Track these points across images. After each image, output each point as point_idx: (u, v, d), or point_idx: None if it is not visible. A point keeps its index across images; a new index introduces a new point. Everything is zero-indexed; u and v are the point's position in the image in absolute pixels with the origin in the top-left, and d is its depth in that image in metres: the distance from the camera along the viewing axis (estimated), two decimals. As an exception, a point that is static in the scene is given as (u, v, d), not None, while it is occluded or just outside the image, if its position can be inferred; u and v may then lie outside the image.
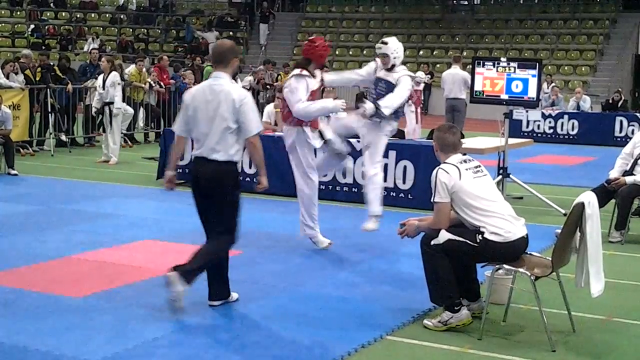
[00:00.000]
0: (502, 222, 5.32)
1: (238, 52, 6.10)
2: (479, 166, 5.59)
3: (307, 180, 7.69)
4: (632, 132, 15.87)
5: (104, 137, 14.04)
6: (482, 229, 5.31)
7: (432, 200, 5.49)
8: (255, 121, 5.77)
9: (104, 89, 13.57)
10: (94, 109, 14.10)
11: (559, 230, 8.02)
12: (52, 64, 15.59)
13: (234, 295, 5.96)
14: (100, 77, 13.82)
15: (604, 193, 8.23)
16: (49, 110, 14.77)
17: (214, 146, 5.73)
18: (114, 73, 13.66)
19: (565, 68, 28.74)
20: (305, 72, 7.55)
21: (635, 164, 8.52)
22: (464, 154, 5.68)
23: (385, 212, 9.35)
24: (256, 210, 9.66)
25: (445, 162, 5.53)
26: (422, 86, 16.40)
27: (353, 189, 10.25)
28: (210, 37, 31.60)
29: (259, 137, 5.86)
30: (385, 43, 8.07)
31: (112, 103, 13.52)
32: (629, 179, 8.38)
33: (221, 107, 5.64)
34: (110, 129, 13.64)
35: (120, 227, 8.48)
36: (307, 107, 7.43)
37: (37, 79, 14.77)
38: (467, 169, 5.47)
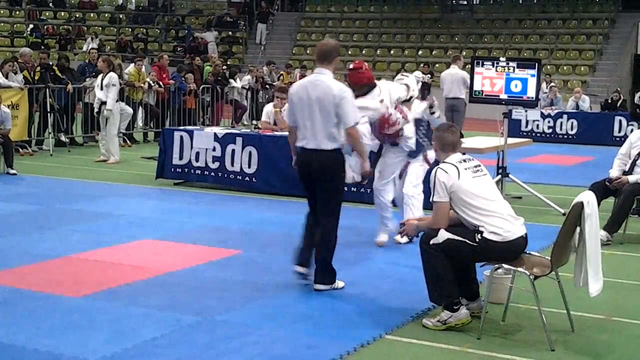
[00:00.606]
0: (501, 222, 5.33)
1: (339, 51, 6.51)
2: (479, 165, 5.59)
3: None
4: (631, 132, 15.88)
5: (101, 136, 14.04)
6: (481, 229, 5.31)
7: (431, 199, 5.50)
8: (352, 113, 6.15)
9: (101, 89, 13.57)
10: (95, 108, 14.06)
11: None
12: (51, 63, 15.58)
13: (340, 284, 6.28)
14: (99, 77, 13.81)
15: (603, 190, 8.24)
16: (48, 110, 14.77)
17: (322, 137, 6.08)
18: (110, 74, 13.62)
19: (565, 68, 28.75)
20: None
21: (634, 164, 8.51)
22: (464, 153, 5.69)
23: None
24: (256, 210, 9.68)
25: (444, 162, 5.54)
26: (419, 85, 16.39)
27: (352, 189, 10.25)
28: (209, 36, 31.63)
29: (356, 128, 6.26)
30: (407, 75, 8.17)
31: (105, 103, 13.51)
32: (631, 178, 8.35)
33: (323, 101, 6.06)
34: (104, 129, 13.62)
35: (119, 227, 8.48)
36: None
37: (37, 78, 14.76)
38: (466, 169, 5.47)
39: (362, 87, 7.50)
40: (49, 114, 14.83)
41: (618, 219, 8.26)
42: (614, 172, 8.59)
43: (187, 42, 31.89)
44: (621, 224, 8.30)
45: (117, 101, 13.77)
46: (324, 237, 6.20)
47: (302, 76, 23.39)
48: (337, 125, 6.10)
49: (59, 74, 15.23)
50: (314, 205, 6.33)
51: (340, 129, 6.12)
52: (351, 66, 7.71)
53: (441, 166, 5.50)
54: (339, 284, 6.32)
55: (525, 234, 5.42)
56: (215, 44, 31.50)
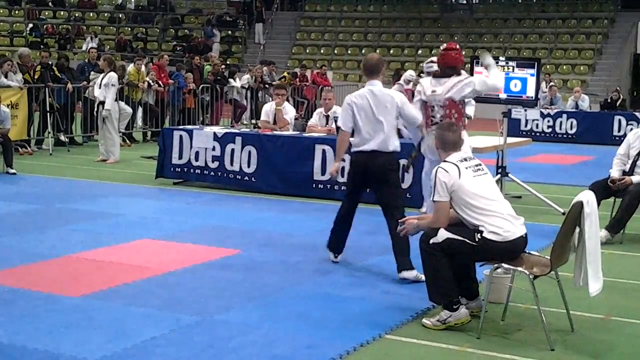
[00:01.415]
0: (501, 222, 5.32)
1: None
2: (480, 164, 5.59)
3: None
4: (630, 131, 15.88)
5: (100, 136, 14.02)
6: (480, 228, 5.31)
7: (431, 199, 5.50)
8: (416, 111, 7.25)
9: (99, 87, 13.57)
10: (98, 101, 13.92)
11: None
12: (50, 63, 15.58)
13: (420, 276, 6.32)
14: (100, 75, 13.79)
15: (603, 190, 8.20)
16: (48, 109, 14.76)
17: (385, 140, 6.72)
18: (111, 74, 13.61)
19: (564, 67, 28.76)
20: None
21: (634, 165, 8.45)
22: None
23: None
24: (255, 209, 9.67)
25: (445, 161, 5.54)
26: (411, 85, 16.51)
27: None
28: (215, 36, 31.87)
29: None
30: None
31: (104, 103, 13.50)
32: (635, 179, 8.28)
33: (387, 107, 6.72)
34: (102, 128, 13.61)
35: (119, 226, 8.47)
36: None
37: (36, 77, 14.75)
38: (467, 168, 5.46)
39: (453, 68, 7.72)
40: (48, 114, 14.83)
41: (622, 219, 8.22)
42: (615, 173, 8.50)
43: (195, 41, 31.73)
44: (624, 224, 8.26)
45: (115, 100, 13.75)
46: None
47: (302, 75, 23.42)
48: (395, 128, 6.91)
49: (58, 74, 15.22)
50: (357, 200, 7.09)
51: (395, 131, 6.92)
52: (445, 46, 7.96)
53: (442, 165, 5.50)
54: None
55: (525, 234, 5.42)
56: (218, 44, 31.60)
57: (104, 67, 13.77)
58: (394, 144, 6.80)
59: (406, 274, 6.51)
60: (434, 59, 8.19)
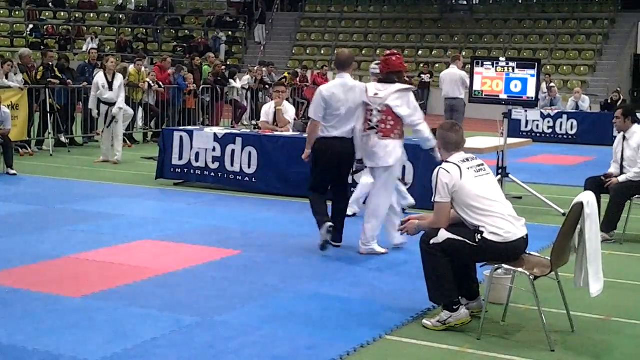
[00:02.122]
0: (502, 223, 5.31)
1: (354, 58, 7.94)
2: (482, 165, 5.57)
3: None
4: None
5: (103, 136, 14.02)
6: (481, 229, 5.30)
7: (432, 199, 5.48)
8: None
9: (111, 89, 13.53)
10: (94, 110, 13.88)
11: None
12: (51, 63, 15.58)
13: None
14: (101, 75, 13.71)
15: (597, 185, 8.35)
16: (48, 110, 14.75)
17: (350, 128, 7.48)
18: (119, 75, 13.86)
19: (564, 68, 28.76)
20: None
21: (622, 167, 8.60)
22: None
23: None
24: (256, 210, 9.67)
25: (446, 161, 5.52)
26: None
27: (352, 189, 10.24)
28: (220, 39, 31.92)
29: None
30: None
31: (114, 104, 13.51)
32: (621, 178, 8.46)
33: (354, 98, 7.45)
34: (108, 128, 13.62)
35: (119, 227, 8.48)
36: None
37: (38, 77, 14.75)
38: (468, 168, 5.45)
39: (397, 74, 7.61)
40: (49, 114, 14.82)
41: (611, 219, 8.33)
42: (612, 169, 8.73)
43: (216, 46, 31.69)
44: (616, 222, 8.32)
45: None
46: (344, 208, 7.97)
47: (303, 76, 23.44)
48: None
49: (59, 74, 15.22)
50: (333, 188, 7.73)
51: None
52: (386, 52, 7.89)
53: (444, 166, 5.48)
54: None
55: (526, 235, 5.41)
56: (224, 45, 31.65)
57: (115, 70, 13.80)
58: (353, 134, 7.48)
59: (334, 244, 7.58)
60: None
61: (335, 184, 7.74)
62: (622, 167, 8.61)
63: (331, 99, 7.47)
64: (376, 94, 7.47)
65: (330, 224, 7.37)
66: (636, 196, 8.48)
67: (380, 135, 7.41)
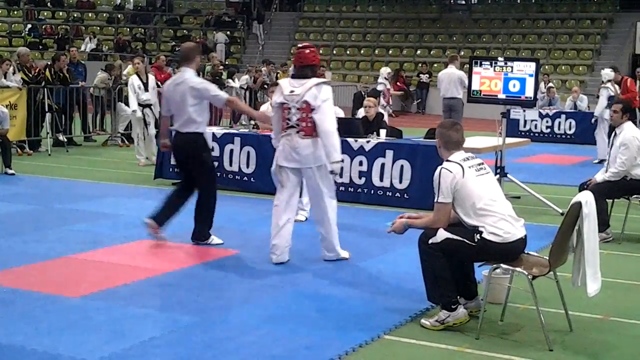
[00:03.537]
0: (501, 223, 5.31)
1: (200, 52, 8.14)
2: (482, 164, 5.56)
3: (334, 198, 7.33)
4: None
5: (138, 139, 13.59)
6: (480, 229, 5.30)
7: (435, 200, 5.43)
8: (219, 91, 7.98)
9: (146, 90, 13.46)
10: (138, 111, 13.50)
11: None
12: (48, 63, 15.58)
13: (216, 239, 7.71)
14: (136, 77, 13.50)
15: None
16: (46, 110, 14.74)
17: (187, 122, 7.61)
18: (152, 76, 13.86)
19: (563, 67, 28.75)
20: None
21: (609, 163, 8.61)
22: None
23: (381, 211, 9.38)
24: (254, 210, 9.67)
25: (447, 160, 5.48)
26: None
27: (350, 189, 10.26)
28: (220, 38, 31.82)
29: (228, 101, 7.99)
30: None
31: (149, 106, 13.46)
32: (599, 178, 8.46)
33: (188, 92, 7.51)
34: (145, 130, 13.47)
35: (118, 227, 8.48)
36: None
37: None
38: (470, 167, 5.43)
39: (310, 67, 7.18)
40: (47, 114, 14.81)
41: (599, 220, 8.30)
42: (598, 174, 8.72)
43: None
44: (607, 221, 8.26)
45: (119, 102, 13.77)
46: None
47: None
48: (197, 110, 7.66)
49: (66, 74, 15.31)
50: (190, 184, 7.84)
51: (202, 111, 7.69)
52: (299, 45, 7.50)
53: (445, 166, 5.43)
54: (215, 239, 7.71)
55: (525, 236, 5.41)
56: (223, 44, 31.63)
57: (140, 70, 13.67)
58: (196, 127, 7.61)
59: (201, 243, 7.69)
60: None
61: (190, 176, 7.86)
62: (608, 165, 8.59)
63: (166, 94, 7.86)
64: (292, 92, 7.04)
65: (149, 217, 7.72)
66: (635, 196, 8.48)
67: (302, 134, 7.03)
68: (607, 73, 15.96)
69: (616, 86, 15.67)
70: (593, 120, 16.37)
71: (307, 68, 7.15)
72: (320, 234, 7.25)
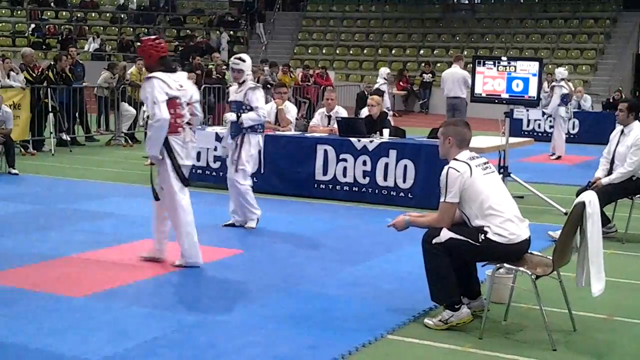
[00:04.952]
0: (507, 224, 5.28)
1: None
2: (487, 163, 5.54)
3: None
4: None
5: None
6: (485, 229, 5.28)
7: (442, 200, 5.39)
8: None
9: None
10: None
11: (552, 233, 8.05)
12: (51, 63, 15.60)
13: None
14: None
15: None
16: (50, 110, 14.76)
17: None
18: None
19: (566, 67, 28.71)
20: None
21: (612, 163, 8.55)
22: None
23: (385, 210, 9.36)
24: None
25: (455, 159, 5.43)
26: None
27: (354, 188, 10.26)
28: (223, 37, 31.83)
29: None
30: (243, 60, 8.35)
31: None
32: (604, 180, 8.41)
33: None
34: None
35: (121, 227, 8.48)
36: None
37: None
38: (477, 166, 5.41)
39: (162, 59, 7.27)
40: (51, 114, 14.82)
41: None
42: (598, 173, 8.64)
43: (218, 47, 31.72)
44: (607, 218, 8.23)
45: (122, 102, 13.76)
46: None
47: (304, 75, 23.43)
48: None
49: (69, 74, 15.35)
50: None
51: None
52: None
53: (453, 165, 5.39)
54: None
55: (529, 237, 5.40)
56: (226, 44, 31.66)
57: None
58: None
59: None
60: None
61: None
62: (612, 163, 8.52)
63: None
64: (182, 86, 7.05)
65: None
66: (638, 196, 8.46)
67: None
68: (561, 72, 16.42)
69: (570, 84, 15.84)
70: (546, 117, 16.56)
71: (164, 59, 7.43)
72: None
